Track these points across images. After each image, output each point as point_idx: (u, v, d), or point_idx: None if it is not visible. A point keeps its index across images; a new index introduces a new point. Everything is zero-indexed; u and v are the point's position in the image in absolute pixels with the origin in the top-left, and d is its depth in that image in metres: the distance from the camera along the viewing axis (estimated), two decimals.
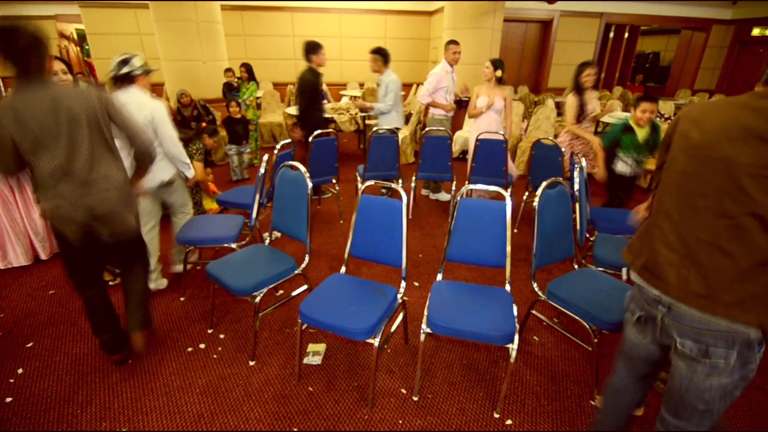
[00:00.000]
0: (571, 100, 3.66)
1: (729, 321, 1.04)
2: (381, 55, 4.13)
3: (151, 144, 1.93)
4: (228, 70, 6.10)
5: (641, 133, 2.98)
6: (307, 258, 2.29)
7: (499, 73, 3.84)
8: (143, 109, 2.35)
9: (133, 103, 2.31)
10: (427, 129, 4.02)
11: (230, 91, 5.88)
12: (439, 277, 2.23)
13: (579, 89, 3.60)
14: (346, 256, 2.23)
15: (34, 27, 1.66)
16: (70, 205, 1.73)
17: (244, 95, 5.52)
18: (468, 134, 4.04)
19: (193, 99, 5.17)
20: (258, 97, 7.59)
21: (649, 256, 1.23)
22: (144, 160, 1.95)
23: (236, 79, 5.98)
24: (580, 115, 3.63)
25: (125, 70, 2.33)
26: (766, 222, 0.97)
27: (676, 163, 1.17)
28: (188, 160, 2.66)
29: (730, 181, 1.02)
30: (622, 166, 3.08)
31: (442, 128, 4.02)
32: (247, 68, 5.68)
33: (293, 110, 6.58)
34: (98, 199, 1.78)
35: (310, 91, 4.01)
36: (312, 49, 3.97)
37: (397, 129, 4.12)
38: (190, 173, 2.71)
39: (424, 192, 4.74)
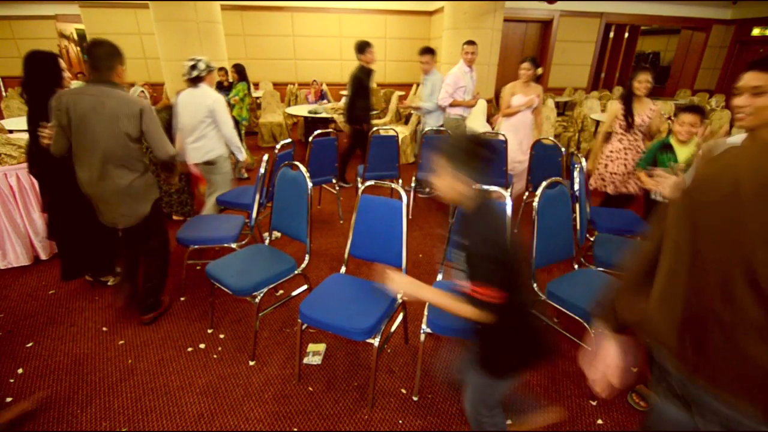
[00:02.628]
0: (613, 106, 3.23)
1: None
2: (434, 54, 4.24)
3: (167, 155, 2.22)
4: (221, 69, 6.09)
5: (683, 152, 2.49)
6: (307, 258, 2.29)
7: (540, 71, 3.90)
8: (207, 99, 2.96)
9: (201, 95, 2.97)
10: (443, 128, 4.10)
11: (221, 90, 5.86)
12: (439, 277, 2.23)
13: (628, 95, 3.12)
14: (346, 256, 2.23)
15: (110, 42, 2.09)
16: (88, 184, 2.18)
17: (230, 95, 5.49)
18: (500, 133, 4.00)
19: None
20: (257, 98, 7.61)
21: None
22: (164, 166, 2.42)
23: (225, 79, 5.96)
24: (627, 126, 3.14)
25: (195, 73, 2.95)
26: None
27: None
28: (240, 145, 3.18)
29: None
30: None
31: (457, 129, 4.06)
32: (237, 69, 5.58)
33: (294, 110, 6.59)
34: (105, 188, 2.17)
35: (354, 87, 4.25)
36: (360, 48, 4.23)
37: (442, 127, 4.28)
38: (242, 156, 3.24)
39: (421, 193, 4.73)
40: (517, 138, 3.94)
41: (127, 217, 2.26)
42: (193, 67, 2.96)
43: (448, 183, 1.26)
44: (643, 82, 3.05)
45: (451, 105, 4.25)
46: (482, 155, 1.23)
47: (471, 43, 4.17)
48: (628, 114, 3.11)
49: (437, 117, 4.35)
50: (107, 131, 2.05)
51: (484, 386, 1.41)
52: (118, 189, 2.16)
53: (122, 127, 2.06)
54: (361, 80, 4.21)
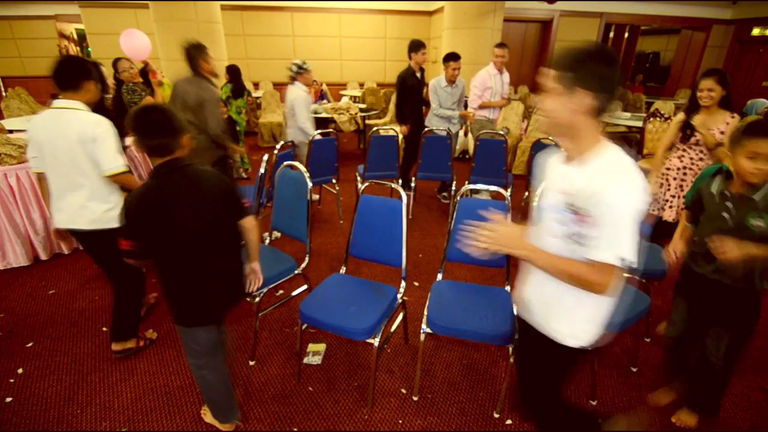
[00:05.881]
0: (677, 117, 2.76)
1: None
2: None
3: (213, 131, 2.87)
4: None
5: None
6: (307, 258, 2.29)
7: None
8: (292, 94, 3.74)
9: (292, 92, 3.74)
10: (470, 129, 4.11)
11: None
12: (439, 277, 2.23)
13: (692, 106, 2.59)
14: (346, 256, 2.23)
15: (197, 41, 2.89)
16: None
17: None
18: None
19: None
20: (257, 98, 7.60)
21: None
22: (215, 140, 2.95)
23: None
24: (684, 138, 2.66)
25: (290, 74, 3.76)
26: None
27: None
28: (312, 132, 3.72)
29: None
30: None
31: (485, 130, 4.01)
32: (228, 70, 5.46)
33: None
34: None
35: (399, 88, 4.27)
36: (412, 47, 4.21)
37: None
38: (309, 137, 3.69)
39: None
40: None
41: None
42: (290, 68, 3.75)
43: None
44: (704, 90, 2.45)
45: (480, 107, 4.23)
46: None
47: (501, 46, 4.10)
48: (690, 126, 2.58)
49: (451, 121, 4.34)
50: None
51: None
52: None
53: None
54: (404, 81, 4.19)
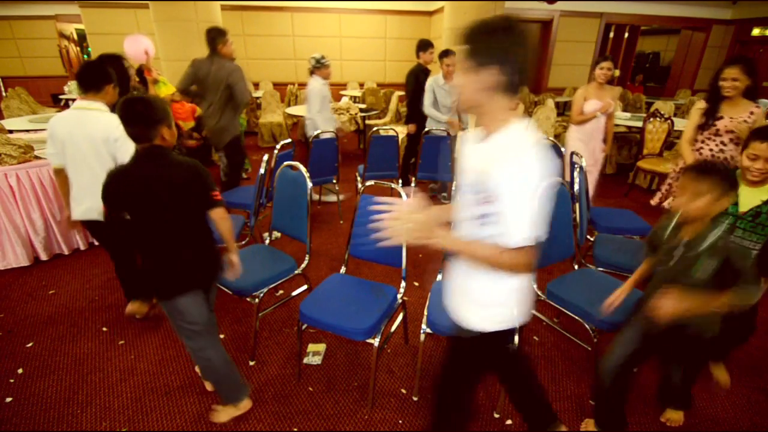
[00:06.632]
0: (695, 106, 2.60)
1: None
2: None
3: (242, 100, 3.36)
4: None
5: (750, 196, 1.66)
6: (307, 258, 2.29)
7: (617, 72, 3.67)
8: (308, 86, 4.03)
9: (309, 84, 4.02)
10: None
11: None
12: (439, 277, 2.23)
13: (713, 96, 2.43)
14: (346, 256, 2.23)
15: (216, 28, 3.26)
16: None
17: None
18: (571, 143, 3.56)
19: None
20: (257, 98, 7.61)
21: None
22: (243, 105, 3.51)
23: None
24: (704, 126, 2.49)
25: (308, 67, 3.99)
26: None
27: None
28: (320, 125, 3.84)
29: None
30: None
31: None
32: None
33: (294, 110, 6.58)
34: None
35: (413, 84, 4.26)
36: (420, 47, 4.26)
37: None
38: (317, 130, 3.76)
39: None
40: (589, 148, 3.54)
41: None
42: (310, 62, 3.99)
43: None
44: (728, 79, 2.28)
45: None
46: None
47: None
48: (710, 114, 2.42)
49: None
50: None
51: None
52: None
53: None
54: (418, 76, 4.17)
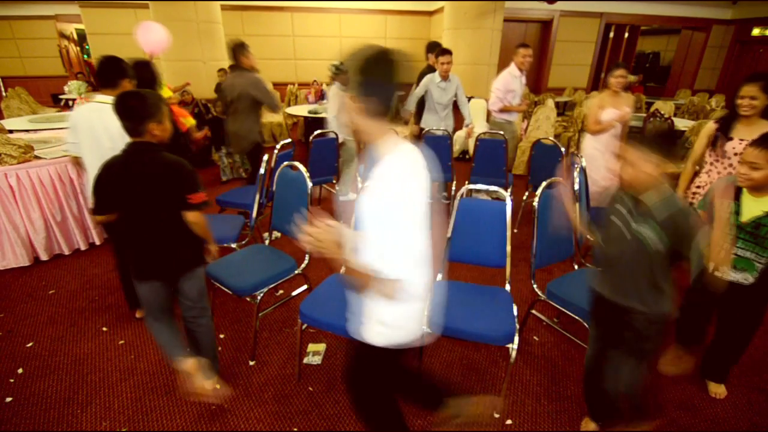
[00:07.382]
0: (705, 126, 2.44)
1: None
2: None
3: (272, 105, 3.45)
4: (221, 70, 6.11)
5: (752, 206, 1.65)
6: (307, 258, 2.29)
7: (632, 78, 3.53)
8: (330, 92, 4.17)
9: (330, 90, 4.14)
10: (486, 132, 4.00)
11: (218, 91, 5.85)
12: (439, 277, 2.23)
13: (731, 115, 2.24)
14: None
15: (241, 40, 3.37)
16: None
17: None
18: (591, 152, 3.35)
19: (195, 98, 5.20)
20: None
21: None
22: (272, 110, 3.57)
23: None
24: (712, 150, 2.33)
25: (329, 74, 4.02)
26: None
27: None
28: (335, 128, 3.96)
29: None
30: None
31: (500, 132, 3.88)
32: (229, 69, 5.53)
33: (294, 110, 6.58)
34: None
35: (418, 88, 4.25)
36: (429, 49, 4.37)
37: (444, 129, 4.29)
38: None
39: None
40: (605, 158, 3.31)
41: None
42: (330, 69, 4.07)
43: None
44: (745, 97, 2.11)
45: (501, 110, 4.06)
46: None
47: (526, 46, 3.91)
48: (720, 134, 2.25)
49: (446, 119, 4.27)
50: None
51: None
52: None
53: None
54: (421, 79, 4.12)
